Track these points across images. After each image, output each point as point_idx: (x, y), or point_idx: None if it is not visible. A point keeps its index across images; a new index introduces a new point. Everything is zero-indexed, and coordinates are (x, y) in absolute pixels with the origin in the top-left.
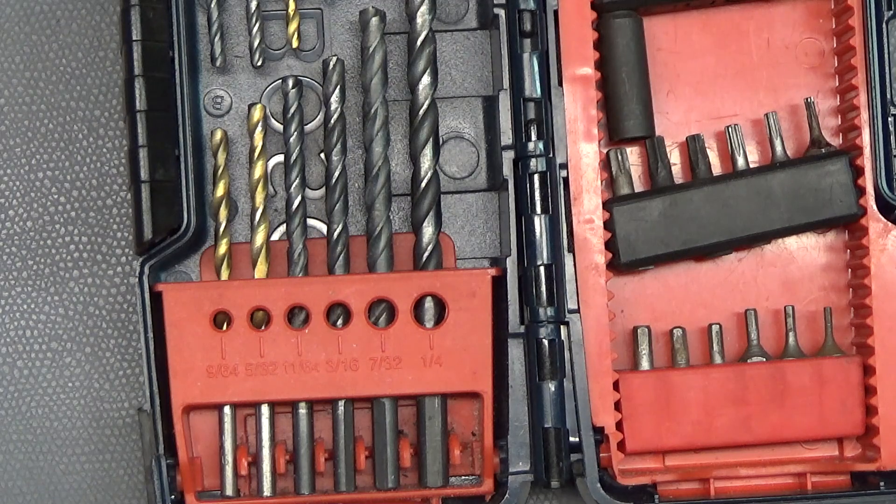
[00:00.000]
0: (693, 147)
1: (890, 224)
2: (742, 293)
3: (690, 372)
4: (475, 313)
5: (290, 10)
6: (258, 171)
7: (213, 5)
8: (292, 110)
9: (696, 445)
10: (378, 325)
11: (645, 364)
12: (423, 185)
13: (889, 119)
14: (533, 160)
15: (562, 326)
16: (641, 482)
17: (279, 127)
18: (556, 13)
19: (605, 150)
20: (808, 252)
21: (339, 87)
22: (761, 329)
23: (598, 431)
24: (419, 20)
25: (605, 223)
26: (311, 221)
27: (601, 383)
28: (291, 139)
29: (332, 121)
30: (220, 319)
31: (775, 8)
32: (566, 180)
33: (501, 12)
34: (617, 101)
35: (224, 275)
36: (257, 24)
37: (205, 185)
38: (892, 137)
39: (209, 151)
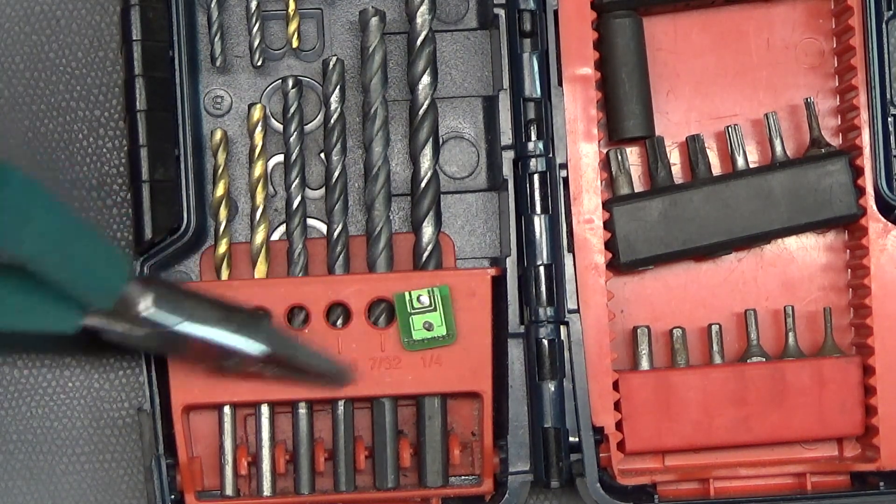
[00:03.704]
0: (693, 147)
1: (890, 224)
2: (742, 293)
3: (690, 372)
4: (475, 313)
5: (290, 10)
6: (258, 171)
7: (213, 5)
8: (292, 110)
9: (695, 445)
10: (378, 325)
11: (645, 364)
12: (423, 185)
13: (889, 119)
14: (533, 160)
15: (561, 326)
16: (641, 482)
17: (279, 127)
18: (556, 13)
19: (605, 150)
20: (808, 252)
21: (339, 87)
22: (761, 329)
23: (598, 431)
24: (419, 20)
25: (604, 223)
26: (311, 221)
27: (601, 383)
28: (291, 139)
29: (332, 121)
30: None
31: (775, 8)
32: (566, 180)
33: (501, 12)
34: (617, 101)
35: (224, 275)
36: (257, 24)
37: (205, 185)
38: (892, 137)
39: (209, 151)
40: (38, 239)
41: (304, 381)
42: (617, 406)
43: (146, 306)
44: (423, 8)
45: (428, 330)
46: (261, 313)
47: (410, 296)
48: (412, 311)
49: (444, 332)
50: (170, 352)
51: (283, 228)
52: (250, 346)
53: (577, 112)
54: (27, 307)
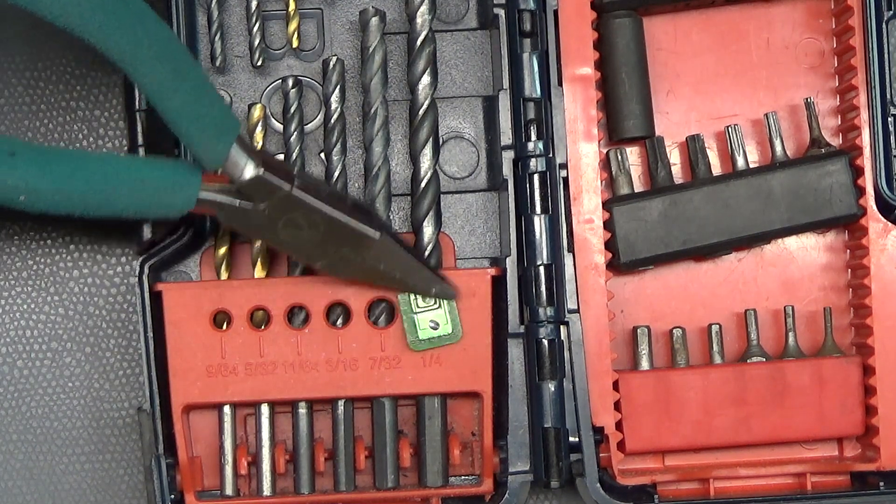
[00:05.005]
0: (693, 147)
1: (890, 224)
2: (742, 293)
3: (690, 372)
4: (475, 313)
5: (290, 10)
6: None
7: (213, 5)
8: (292, 110)
9: (695, 445)
10: (378, 324)
11: (645, 364)
12: (423, 185)
13: (889, 119)
14: (533, 160)
15: (561, 326)
16: (641, 482)
17: (279, 127)
18: (556, 13)
19: (605, 150)
20: (808, 252)
21: (339, 87)
22: (761, 329)
23: (598, 431)
24: (419, 20)
25: (604, 223)
26: None
27: (601, 383)
28: (291, 139)
29: (332, 121)
30: (220, 319)
31: (775, 8)
32: (566, 180)
33: (501, 12)
34: (617, 101)
35: (224, 274)
36: (257, 24)
37: None
38: (892, 137)
39: None
40: (155, 62)
41: (406, 287)
42: (617, 406)
43: (256, 166)
44: (423, 8)
45: (434, 329)
46: (371, 206)
47: (414, 296)
48: (416, 311)
49: (450, 330)
50: (285, 234)
51: None
52: (365, 228)
53: (577, 112)
54: (145, 185)
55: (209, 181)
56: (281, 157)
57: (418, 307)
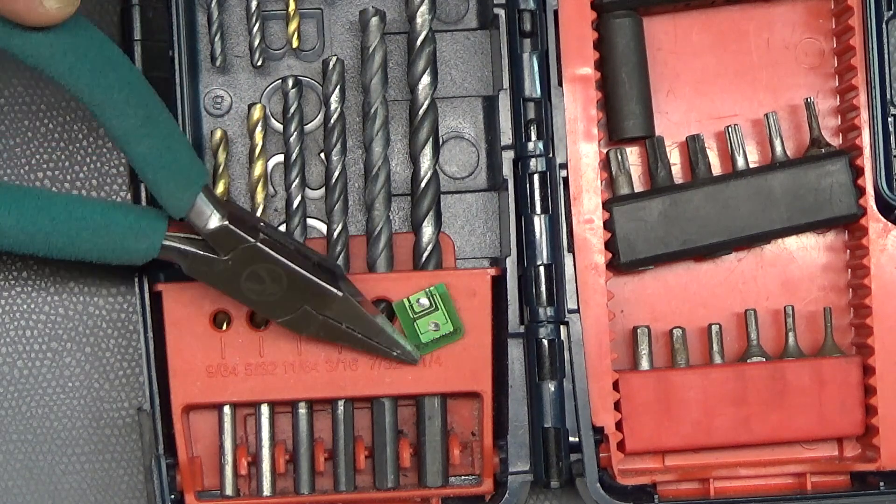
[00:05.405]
0: (693, 147)
1: (890, 224)
2: (742, 293)
3: (690, 372)
4: (475, 313)
5: (290, 10)
6: (258, 171)
7: (213, 5)
8: (292, 110)
9: (695, 445)
10: None
11: (645, 364)
12: (423, 185)
13: (889, 119)
14: (533, 160)
15: (562, 326)
16: (641, 482)
17: (279, 127)
18: (556, 13)
19: (605, 150)
20: (808, 252)
21: (339, 87)
22: (761, 329)
23: (598, 431)
24: (419, 20)
25: (604, 223)
26: (310, 221)
27: (601, 383)
28: (291, 139)
29: (332, 121)
30: (220, 319)
31: (775, 8)
32: (566, 180)
33: (501, 12)
34: (617, 101)
35: None
36: (257, 24)
37: None
38: (892, 137)
39: (209, 151)
40: (125, 107)
41: (368, 348)
42: (617, 406)
43: (221, 217)
44: (423, 8)
45: (435, 330)
46: (335, 264)
47: (409, 301)
48: (415, 316)
49: (452, 329)
50: (247, 287)
51: (283, 228)
52: (327, 286)
53: (577, 112)
54: (109, 230)
55: (175, 230)
56: (281, 157)
57: (415, 313)
